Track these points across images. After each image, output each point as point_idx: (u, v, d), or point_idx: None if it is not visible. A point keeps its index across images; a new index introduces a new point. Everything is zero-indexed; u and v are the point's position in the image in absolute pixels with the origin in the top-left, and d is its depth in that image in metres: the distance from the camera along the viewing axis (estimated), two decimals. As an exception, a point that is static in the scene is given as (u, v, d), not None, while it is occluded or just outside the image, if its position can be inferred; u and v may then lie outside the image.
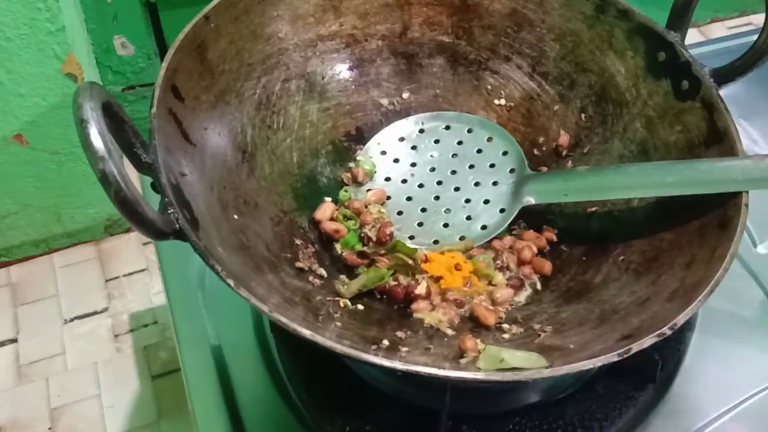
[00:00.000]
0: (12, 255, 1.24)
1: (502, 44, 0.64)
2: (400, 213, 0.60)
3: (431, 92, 0.66)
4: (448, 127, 0.64)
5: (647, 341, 0.42)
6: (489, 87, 0.65)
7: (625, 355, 0.41)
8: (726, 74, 0.56)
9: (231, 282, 0.42)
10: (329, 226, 0.58)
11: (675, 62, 0.57)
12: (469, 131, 0.63)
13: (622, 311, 0.50)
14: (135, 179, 0.45)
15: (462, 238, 0.58)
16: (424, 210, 0.60)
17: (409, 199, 0.61)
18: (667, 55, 0.58)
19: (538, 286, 0.57)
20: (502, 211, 0.59)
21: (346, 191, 0.61)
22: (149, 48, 1.28)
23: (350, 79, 0.64)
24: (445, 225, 0.59)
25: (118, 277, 1.24)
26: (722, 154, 0.53)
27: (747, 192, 0.50)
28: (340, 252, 0.58)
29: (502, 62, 0.65)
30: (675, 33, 0.58)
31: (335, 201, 0.61)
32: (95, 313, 1.19)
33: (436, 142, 0.63)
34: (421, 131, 0.64)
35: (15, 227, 1.20)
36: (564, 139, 0.62)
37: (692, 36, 1.46)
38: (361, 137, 0.64)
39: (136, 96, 1.33)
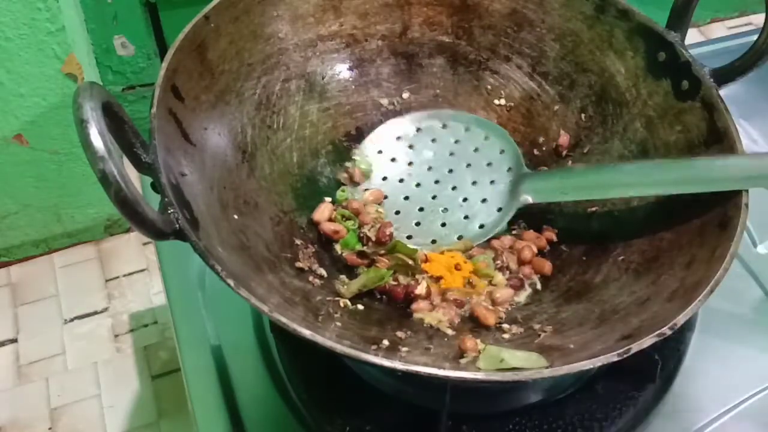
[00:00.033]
0: (12, 255, 1.24)
1: (502, 44, 0.65)
2: (397, 213, 0.60)
3: (431, 92, 0.66)
4: (445, 126, 0.64)
5: (647, 341, 0.42)
6: (489, 87, 0.65)
7: (625, 355, 0.41)
8: (726, 74, 0.56)
9: (231, 282, 0.42)
10: (328, 227, 0.58)
11: (675, 62, 0.57)
12: (467, 130, 0.63)
13: (622, 311, 0.50)
14: (135, 179, 0.45)
15: (460, 238, 0.58)
16: (421, 209, 0.60)
17: (406, 198, 0.61)
18: (667, 55, 0.58)
19: (538, 286, 0.57)
20: (499, 210, 0.59)
21: (343, 191, 0.61)
22: (149, 48, 1.28)
23: (350, 79, 0.64)
24: (443, 224, 0.59)
25: (118, 277, 1.24)
26: (722, 153, 0.53)
27: (747, 192, 0.50)
28: (339, 252, 0.58)
29: (502, 62, 0.65)
30: (675, 33, 0.58)
31: (334, 201, 0.60)
32: (95, 313, 1.19)
33: (433, 141, 0.63)
34: (418, 130, 0.64)
35: (15, 227, 1.20)
36: (564, 139, 0.62)
37: (692, 36, 1.46)
38: (361, 137, 0.64)
39: (136, 96, 1.33)
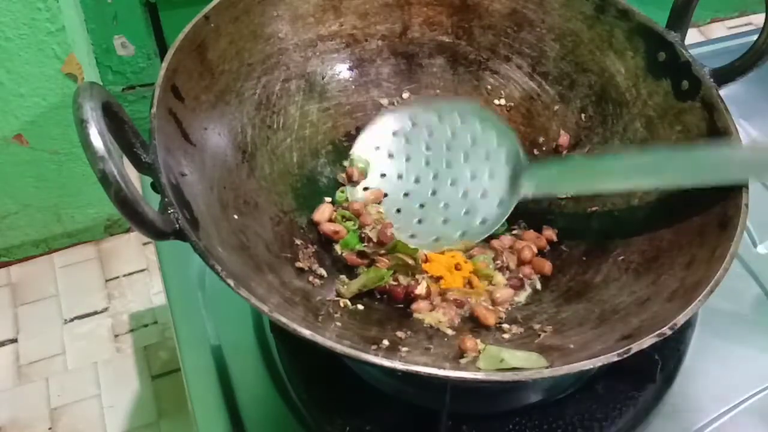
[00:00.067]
0: (12, 255, 1.24)
1: (502, 44, 0.65)
2: (398, 211, 0.60)
3: (431, 92, 0.66)
4: (441, 118, 0.63)
5: (647, 341, 0.42)
6: (489, 87, 0.65)
7: (625, 355, 0.41)
8: (726, 74, 0.56)
9: (231, 282, 0.42)
10: (328, 227, 0.58)
11: (675, 62, 0.57)
12: (463, 122, 0.62)
13: (622, 311, 0.50)
14: (135, 179, 0.45)
15: (463, 234, 0.58)
16: (422, 206, 0.60)
17: (406, 195, 0.61)
18: (667, 55, 0.58)
19: (538, 286, 0.57)
20: (500, 204, 0.59)
21: (342, 192, 0.61)
22: (149, 48, 1.28)
23: (350, 79, 0.64)
24: (445, 221, 0.59)
25: (118, 277, 1.24)
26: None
27: (747, 192, 0.50)
28: (339, 252, 0.58)
29: (502, 62, 0.65)
30: (675, 33, 0.58)
31: (334, 202, 0.60)
32: (95, 313, 1.19)
33: (430, 135, 0.63)
34: (414, 124, 0.63)
35: (15, 227, 1.20)
36: (564, 139, 0.62)
37: (692, 36, 1.46)
38: (361, 137, 0.64)
39: (136, 96, 1.33)
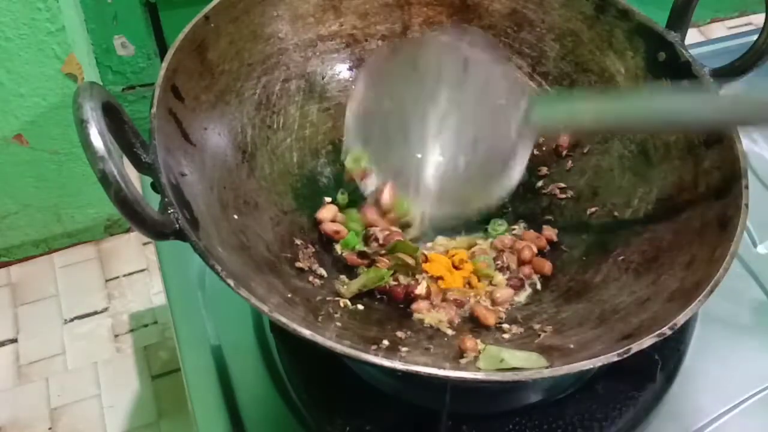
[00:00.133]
0: (12, 255, 1.24)
1: (502, 44, 0.64)
2: (416, 190, 0.56)
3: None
4: (415, 68, 0.56)
5: (647, 341, 0.42)
6: (489, 87, 0.65)
7: (625, 355, 0.41)
8: (726, 74, 0.56)
9: (231, 282, 0.42)
10: (329, 227, 0.58)
11: (675, 62, 0.57)
12: (465, 70, 0.56)
13: (622, 311, 0.50)
14: (135, 179, 0.45)
15: (486, 184, 0.55)
16: (438, 175, 0.56)
17: (416, 167, 0.56)
18: (667, 55, 0.58)
19: (538, 286, 0.57)
20: (515, 155, 0.55)
21: (342, 194, 0.61)
22: (149, 48, 1.28)
23: (350, 79, 0.64)
24: (466, 183, 0.55)
25: (118, 277, 1.24)
26: (722, 154, 0.53)
27: (747, 191, 0.50)
28: (340, 252, 0.58)
29: (502, 62, 0.65)
30: (675, 33, 0.58)
31: (334, 201, 0.60)
32: (95, 313, 1.19)
33: (418, 84, 0.57)
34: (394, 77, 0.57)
35: (15, 227, 1.20)
36: (564, 139, 0.62)
37: (692, 36, 1.46)
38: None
39: (136, 96, 1.33)
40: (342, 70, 0.64)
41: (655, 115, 0.51)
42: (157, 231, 0.42)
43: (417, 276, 0.56)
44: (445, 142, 0.55)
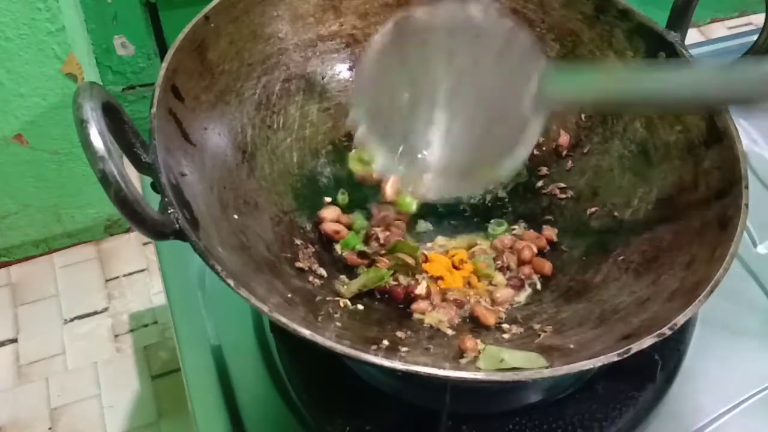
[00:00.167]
0: (12, 255, 1.24)
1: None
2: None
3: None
4: (424, 42, 0.53)
5: (647, 341, 0.42)
6: (489, 87, 0.65)
7: (625, 355, 0.41)
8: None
9: (231, 282, 0.42)
10: (330, 227, 0.58)
11: (675, 62, 0.57)
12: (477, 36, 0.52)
13: (622, 311, 0.50)
14: (135, 179, 0.45)
15: (493, 171, 0.53)
16: (448, 132, 0.53)
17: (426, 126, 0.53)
18: (667, 55, 0.58)
19: (538, 286, 0.57)
20: (525, 128, 0.52)
21: (342, 194, 0.61)
22: (149, 48, 1.28)
23: (350, 79, 0.64)
24: (477, 145, 0.52)
25: (118, 277, 1.24)
26: (722, 154, 0.53)
27: (747, 191, 0.50)
28: (340, 252, 0.58)
29: (502, 62, 0.65)
30: (675, 33, 0.58)
31: (334, 201, 0.60)
32: (95, 313, 1.19)
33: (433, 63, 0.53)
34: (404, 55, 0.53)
35: (15, 227, 1.20)
36: (564, 139, 0.62)
37: (692, 36, 1.46)
38: (361, 137, 0.63)
39: (136, 96, 1.33)
40: (342, 70, 0.64)
41: (672, 90, 0.48)
42: (157, 231, 0.42)
43: (417, 276, 0.56)
44: (455, 112, 0.53)
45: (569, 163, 0.62)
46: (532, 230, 0.60)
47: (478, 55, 0.52)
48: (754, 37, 0.55)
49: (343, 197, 0.61)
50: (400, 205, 0.57)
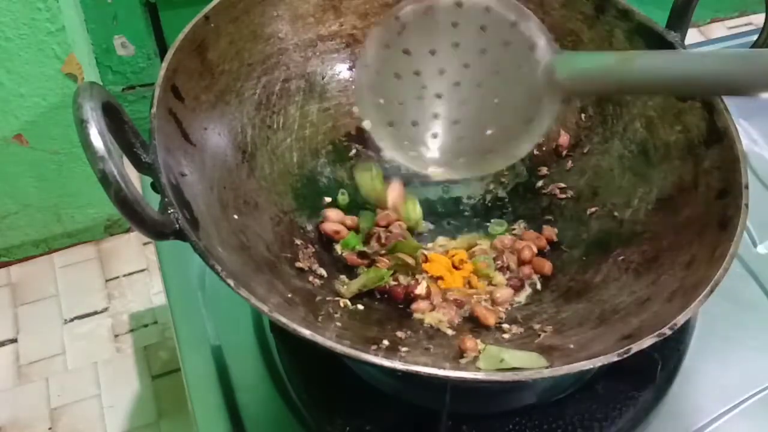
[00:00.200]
0: (12, 255, 1.24)
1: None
2: (434, 136, 0.53)
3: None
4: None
5: (647, 341, 0.42)
6: (489, 87, 0.65)
7: (625, 355, 0.41)
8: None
9: (231, 282, 0.42)
10: (329, 227, 0.58)
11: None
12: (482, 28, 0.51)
13: (622, 311, 0.50)
14: (135, 179, 0.45)
15: (503, 157, 0.52)
16: (456, 123, 0.52)
17: (435, 116, 0.52)
18: (667, 55, 0.58)
19: (538, 286, 0.57)
20: (536, 113, 0.51)
21: (342, 194, 0.61)
22: (149, 48, 1.28)
23: (350, 79, 0.64)
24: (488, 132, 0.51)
25: (118, 277, 1.24)
26: (722, 154, 0.53)
27: (747, 191, 0.50)
28: (340, 252, 0.58)
29: (502, 62, 0.65)
30: (675, 33, 0.58)
31: (334, 201, 0.60)
32: (95, 313, 1.19)
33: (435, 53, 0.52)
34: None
35: (15, 227, 1.20)
36: (564, 139, 0.62)
37: (692, 36, 1.46)
38: (361, 137, 0.64)
39: (136, 96, 1.33)
40: (342, 70, 0.64)
41: (685, 74, 0.45)
42: (157, 231, 0.42)
43: (417, 276, 0.56)
44: (462, 100, 0.52)
45: (569, 163, 0.62)
46: (532, 230, 0.60)
47: (485, 41, 0.51)
48: (754, 37, 0.55)
49: (343, 197, 0.61)
50: (405, 216, 0.56)
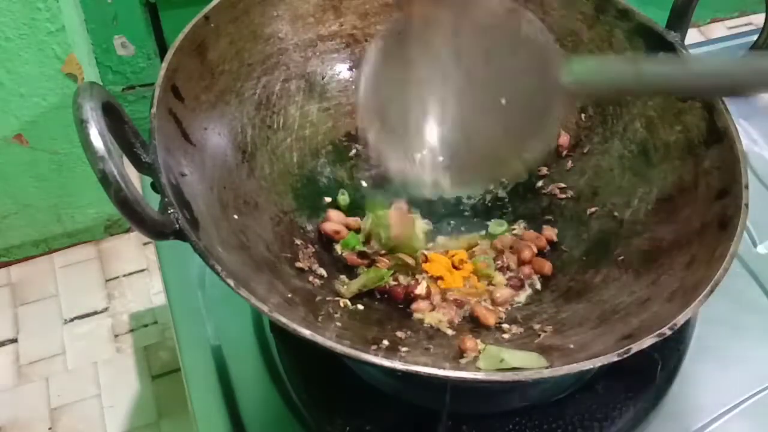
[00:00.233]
0: (12, 255, 1.24)
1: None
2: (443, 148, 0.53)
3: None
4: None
5: (647, 341, 0.42)
6: (489, 87, 0.65)
7: (625, 355, 0.41)
8: (726, 74, 0.56)
9: (231, 282, 0.42)
10: (329, 227, 0.58)
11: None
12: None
13: (622, 311, 0.50)
14: (135, 179, 0.45)
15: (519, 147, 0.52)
16: (464, 135, 0.52)
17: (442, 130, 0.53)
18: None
19: (538, 286, 0.57)
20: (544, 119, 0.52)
21: (343, 194, 0.61)
22: (149, 48, 1.28)
23: (350, 79, 0.64)
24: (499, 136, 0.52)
25: (118, 277, 1.24)
26: (722, 154, 0.53)
27: (747, 191, 0.50)
28: (340, 252, 0.58)
29: (502, 62, 0.65)
30: (675, 33, 0.58)
31: (334, 201, 0.60)
32: (95, 313, 1.19)
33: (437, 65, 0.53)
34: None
35: (15, 227, 1.20)
36: (564, 139, 0.62)
37: (692, 36, 1.46)
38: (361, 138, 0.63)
39: (136, 96, 1.33)
40: (342, 70, 0.64)
41: (694, 78, 0.47)
42: (157, 231, 0.42)
43: (417, 276, 0.56)
44: (467, 109, 0.52)
45: (569, 163, 0.62)
46: (532, 230, 0.60)
47: (488, 48, 0.51)
48: (754, 37, 0.55)
49: (343, 197, 0.61)
50: (408, 244, 0.56)
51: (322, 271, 0.55)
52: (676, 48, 0.57)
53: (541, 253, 0.58)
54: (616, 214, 0.58)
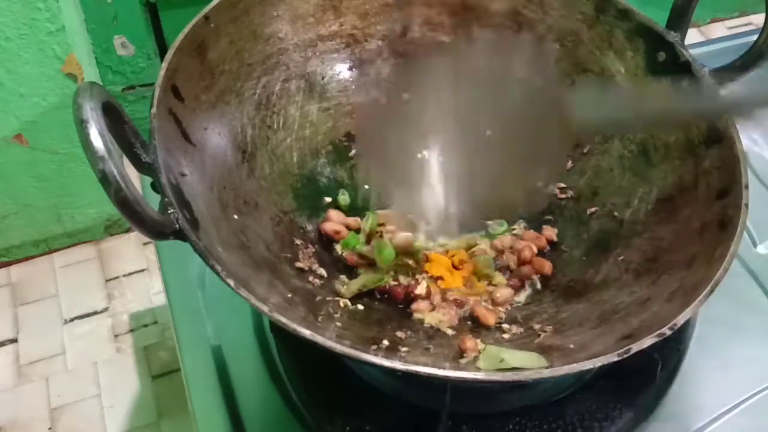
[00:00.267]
0: (12, 255, 1.24)
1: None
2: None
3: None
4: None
5: (647, 341, 0.42)
6: (489, 87, 0.65)
7: (625, 355, 0.41)
8: (726, 74, 0.56)
9: (231, 282, 0.42)
10: (330, 227, 0.58)
11: (675, 62, 0.57)
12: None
13: (622, 311, 0.50)
14: (135, 179, 0.45)
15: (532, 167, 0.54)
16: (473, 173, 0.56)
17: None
18: (667, 55, 0.58)
19: (538, 286, 0.57)
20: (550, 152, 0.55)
21: (343, 194, 0.61)
22: (149, 48, 1.28)
23: (350, 79, 0.64)
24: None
25: (118, 277, 1.24)
26: (722, 154, 0.53)
27: (747, 191, 0.50)
28: (340, 252, 0.58)
29: (502, 62, 0.65)
30: (675, 33, 0.58)
31: (335, 201, 0.60)
32: (95, 313, 1.19)
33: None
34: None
35: (15, 227, 1.20)
36: (564, 139, 0.62)
37: (692, 36, 1.46)
38: (361, 137, 0.64)
39: (136, 96, 1.33)
40: (342, 70, 0.64)
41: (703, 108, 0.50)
42: (157, 231, 0.42)
43: (417, 276, 0.56)
44: (472, 153, 0.56)
45: (569, 163, 0.62)
46: (532, 230, 0.60)
47: (495, 81, 0.55)
48: (754, 37, 0.55)
49: (343, 197, 0.61)
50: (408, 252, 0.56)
51: (322, 271, 0.55)
52: (676, 48, 0.57)
53: (541, 253, 0.58)
54: (616, 214, 0.58)
